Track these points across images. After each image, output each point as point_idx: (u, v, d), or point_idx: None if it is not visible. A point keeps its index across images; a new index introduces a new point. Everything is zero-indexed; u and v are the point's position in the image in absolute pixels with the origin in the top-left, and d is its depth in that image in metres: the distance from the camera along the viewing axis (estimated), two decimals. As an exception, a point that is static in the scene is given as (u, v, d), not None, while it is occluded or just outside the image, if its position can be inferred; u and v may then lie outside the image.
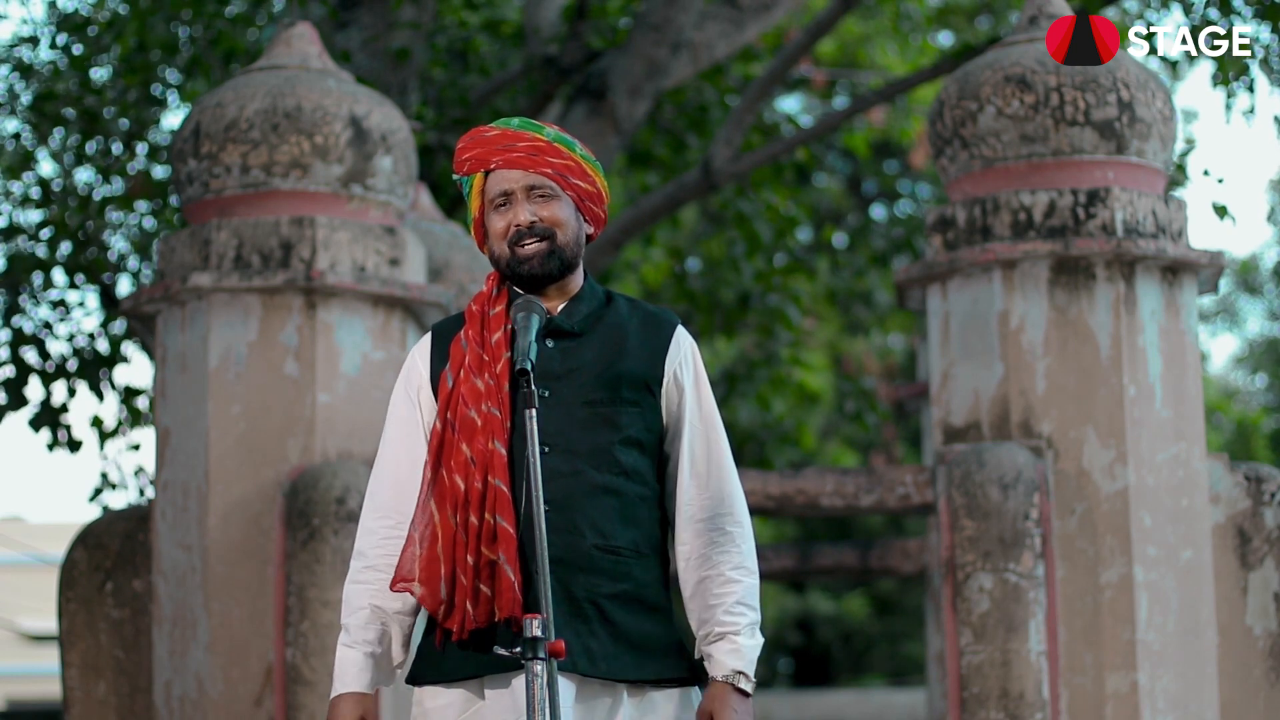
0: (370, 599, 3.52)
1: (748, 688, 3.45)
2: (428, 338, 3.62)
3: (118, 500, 10.10)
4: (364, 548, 3.56)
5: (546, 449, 3.38)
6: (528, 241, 3.49)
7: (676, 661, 3.48)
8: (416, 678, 3.50)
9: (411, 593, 3.43)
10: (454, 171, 3.60)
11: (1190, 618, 5.67)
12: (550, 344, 3.49)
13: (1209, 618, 5.71)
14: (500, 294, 3.55)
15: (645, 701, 3.46)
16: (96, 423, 9.73)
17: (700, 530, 3.51)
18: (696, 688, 3.52)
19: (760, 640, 3.50)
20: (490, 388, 3.43)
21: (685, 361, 3.56)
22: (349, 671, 3.52)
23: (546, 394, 3.44)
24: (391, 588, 3.47)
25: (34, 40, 9.90)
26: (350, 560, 3.59)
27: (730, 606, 3.47)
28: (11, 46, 9.76)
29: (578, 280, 3.58)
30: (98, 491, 9.96)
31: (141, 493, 10.01)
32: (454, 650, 3.43)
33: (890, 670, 21.45)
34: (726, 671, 3.44)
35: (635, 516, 3.47)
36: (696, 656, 3.51)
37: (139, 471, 9.96)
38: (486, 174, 3.54)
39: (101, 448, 9.81)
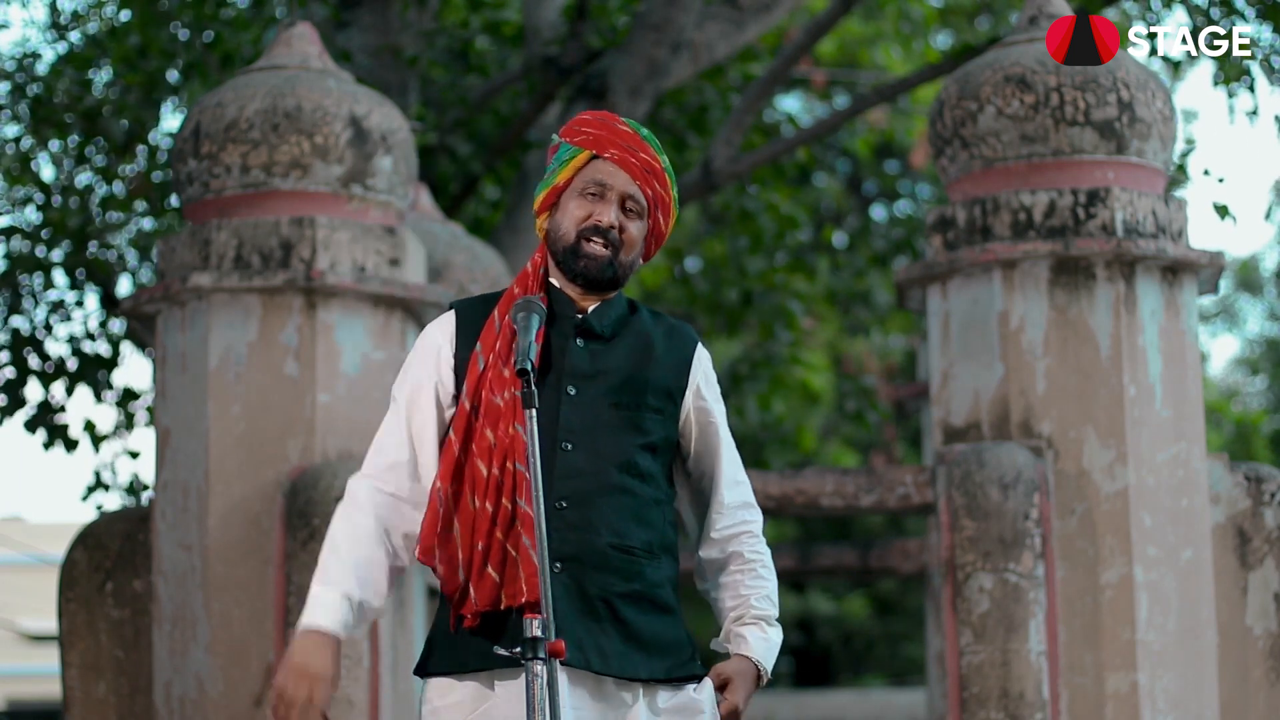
0: (360, 546, 3.46)
1: (766, 676, 3.58)
2: (450, 316, 3.62)
3: (111, 501, 10.10)
4: (355, 490, 3.52)
5: (569, 446, 3.44)
6: (597, 241, 3.52)
7: (687, 661, 3.50)
8: (426, 669, 3.48)
9: (435, 570, 3.44)
10: (560, 135, 3.61)
11: (1190, 618, 5.67)
12: (580, 343, 3.53)
13: (1209, 618, 5.71)
14: (539, 284, 3.57)
15: (656, 700, 3.47)
16: (89, 427, 9.70)
17: (735, 528, 3.64)
18: (707, 680, 3.53)
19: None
20: (515, 373, 3.46)
21: (708, 374, 3.65)
22: (320, 607, 3.41)
23: (574, 392, 3.49)
24: (419, 558, 3.46)
25: (36, 55, 9.89)
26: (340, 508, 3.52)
27: (764, 595, 3.61)
28: (21, 60, 9.74)
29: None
30: (90, 490, 9.95)
31: (133, 492, 9.99)
32: (467, 639, 3.42)
33: (890, 670, 21.43)
34: (758, 655, 3.56)
35: (648, 518, 3.50)
36: (723, 637, 3.62)
37: (132, 484, 9.95)
38: (593, 157, 3.55)
39: (96, 449, 9.78)
